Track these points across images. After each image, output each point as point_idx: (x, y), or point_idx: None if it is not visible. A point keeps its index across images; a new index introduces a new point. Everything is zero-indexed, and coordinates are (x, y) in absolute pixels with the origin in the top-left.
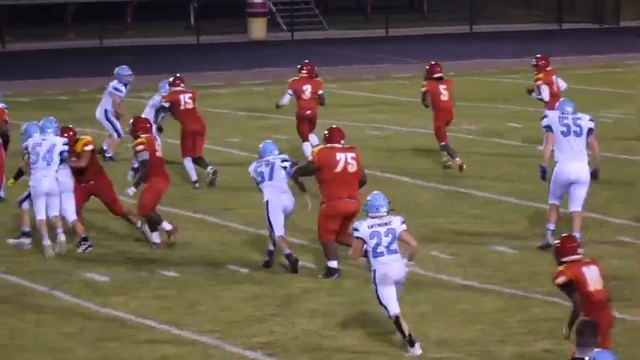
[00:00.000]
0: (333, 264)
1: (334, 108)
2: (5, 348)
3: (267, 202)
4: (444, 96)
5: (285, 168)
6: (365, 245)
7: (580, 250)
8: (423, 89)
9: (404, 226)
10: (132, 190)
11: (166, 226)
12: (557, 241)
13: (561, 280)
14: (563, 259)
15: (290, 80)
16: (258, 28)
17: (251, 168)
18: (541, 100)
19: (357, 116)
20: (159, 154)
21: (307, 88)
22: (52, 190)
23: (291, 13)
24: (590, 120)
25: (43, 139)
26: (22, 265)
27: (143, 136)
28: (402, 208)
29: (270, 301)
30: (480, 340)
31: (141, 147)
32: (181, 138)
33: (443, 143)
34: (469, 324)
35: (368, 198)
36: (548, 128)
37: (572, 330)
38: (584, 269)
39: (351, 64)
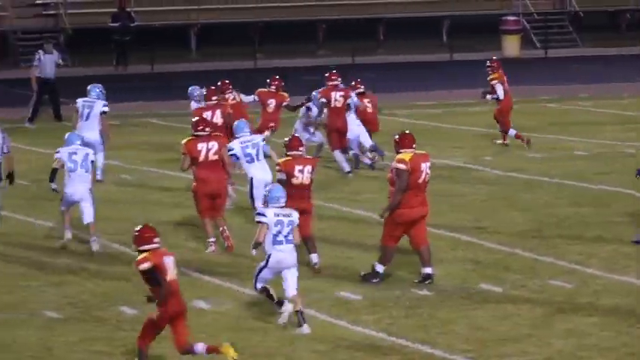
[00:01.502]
0: (380, 268)
1: (589, 126)
2: None
3: (251, 178)
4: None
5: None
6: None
7: (157, 240)
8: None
9: (298, 221)
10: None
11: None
12: (136, 230)
13: (146, 265)
14: (141, 248)
15: (320, 90)
16: (511, 46)
17: (236, 149)
18: (496, 99)
19: (612, 134)
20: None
21: (339, 99)
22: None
23: (545, 31)
24: None
25: (77, 149)
26: (276, 284)
27: (291, 154)
28: None
29: (524, 321)
30: None
31: (278, 167)
32: (328, 134)
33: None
34: None
35: (267, 189)
36: None
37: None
38: (165, 258)
39: (605, 81)
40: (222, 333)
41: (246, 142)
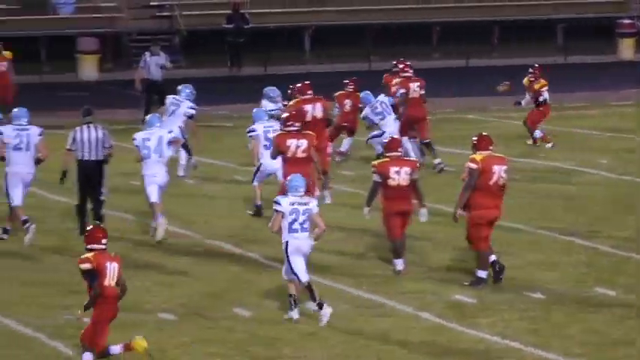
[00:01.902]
0: (483, 274)
1: None
2: None
3: (261, 164)
4: None
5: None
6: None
7: (104, 242)
8: None
9: (317, 209)
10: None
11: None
12: (88, 229)
13: (85, 266)
14: (89, 247)
15: (398, 81)
16: (627, 49)
17: (259, 131)
18: (544, 102)
19: None
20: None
21: (417, 89)
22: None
23: None
24: None
25: (152, 133)
26: (389, 286)
27: (388, 156)
28: None
29: (639, 325)
30: None
31: (373, 168)
32: (404, 120)
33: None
34: None
35: (288, 178)
36: None
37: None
38: (107, 264)
39: None
40: (334, 336)
41: (269, 127)
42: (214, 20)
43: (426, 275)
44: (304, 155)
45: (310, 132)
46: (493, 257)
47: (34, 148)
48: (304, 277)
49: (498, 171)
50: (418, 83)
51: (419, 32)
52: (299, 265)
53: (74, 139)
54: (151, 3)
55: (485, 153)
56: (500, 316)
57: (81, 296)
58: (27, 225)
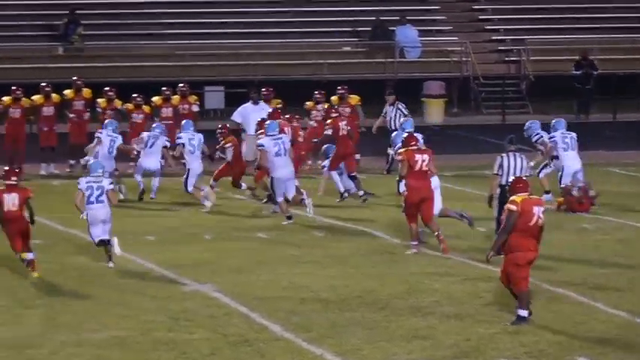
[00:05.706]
0: (524, 313)
1: None
2: None
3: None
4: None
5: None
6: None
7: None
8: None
9: (111, 187)
10: None
11: None
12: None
13: None
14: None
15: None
16: None
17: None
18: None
19: None
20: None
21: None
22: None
23: None
24: None
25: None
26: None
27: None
28: None
29: None
30: None
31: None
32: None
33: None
34: None
35: (90, 162)
36: None
37: None
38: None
39: None
40: None
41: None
42: (562, 66)
43: None
44: (426, 169)
45: (428, 148)
46: (524, 313)
47: (289, 153)
48: (97, 239)
49: (537, 212)
50: (345, 122)
51: None
52: (96, 230)
53: (500, 165)
54: (499, 47)
55: (524, 195)
56: None
57: (418, 341)
58: (304, 200)
